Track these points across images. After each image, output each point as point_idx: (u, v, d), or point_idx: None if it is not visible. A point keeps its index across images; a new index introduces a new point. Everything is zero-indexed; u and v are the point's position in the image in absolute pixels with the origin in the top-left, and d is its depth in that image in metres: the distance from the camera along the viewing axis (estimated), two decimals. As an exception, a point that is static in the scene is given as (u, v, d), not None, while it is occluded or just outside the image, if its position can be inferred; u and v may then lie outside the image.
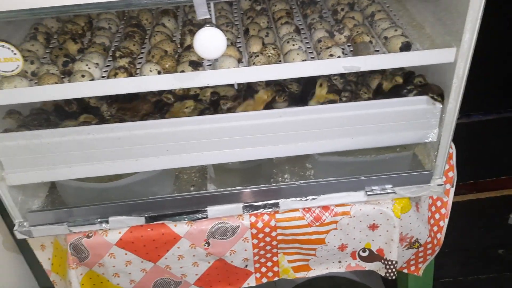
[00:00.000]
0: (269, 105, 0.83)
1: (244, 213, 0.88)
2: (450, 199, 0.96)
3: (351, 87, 0.84)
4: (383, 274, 0.96)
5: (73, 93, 0.71)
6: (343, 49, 0.77)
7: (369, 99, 0.83)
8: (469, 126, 1.34)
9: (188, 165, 0.82)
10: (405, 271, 1.04)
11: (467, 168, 1.08)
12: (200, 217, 0.87)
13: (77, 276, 0.89)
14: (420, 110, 0.80)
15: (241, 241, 0.90)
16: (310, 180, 0.88)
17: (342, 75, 0.87)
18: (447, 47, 0.73)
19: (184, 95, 0.88)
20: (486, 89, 1.25)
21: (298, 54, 0.75)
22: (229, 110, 0.82)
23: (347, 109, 0.79)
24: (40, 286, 1.08)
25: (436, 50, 0.74)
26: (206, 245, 0.89)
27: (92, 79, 0.74)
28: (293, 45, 0.77)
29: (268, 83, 0.87)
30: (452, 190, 0.96)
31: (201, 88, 0.89)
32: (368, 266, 0.97)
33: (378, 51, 0.78)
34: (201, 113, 0.82)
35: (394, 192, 0.87)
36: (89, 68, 0.75)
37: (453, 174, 0.95)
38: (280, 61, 0.78)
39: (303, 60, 0.75)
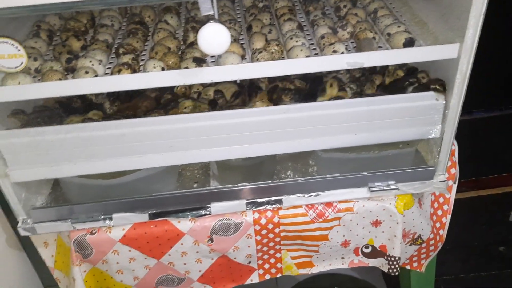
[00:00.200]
0: (275, 102, 0.83)
1: (247, 209, 0.88)
2: (452, 195, 0.97)
3: (357, 83, 0.84)
4: (386, 270, 0.96)
5: (77, 90, 0.71)
6: (346, 45, 0.77)
7: (373, 94, 0.83)
8: (471, 123, 1.34)
9: (192, 161, 0.83)
10: (408, 267, 1.04)
11: (469, 165, 1.08)
12: (203, 213, 0.87)
13: (80, 273, 0.89)
14: (423, 106, 0.80)
15: (244, 237, 0.90)
16: (313, 177, 0.88)
17: (347, 73, 0.87)
18: (450, 43, 0.74)
19: (185, 94, 0.88)
20: (488, 86, 1.25)
21: (301, 50, 0.75)
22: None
23: (350, 106, 0.79)
24: (43, 283, 1.08)
25: (439, 46, 0.74)
26: (210, 241, 0.89)
27: (96, 76, 0.74)
28: (296, 41, 0.78)
29: (272, 80, 0.88)
30: (455, 187, 0.96)
31: (203, 86, 0.89)
32: (371, 262, 0.97)
33: (381, 47, 0.79)
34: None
35: (397, 188, 0.87)
36: (92, 64, 0.75)
37: (455, 170, 0.95)
38: (283, 57, 0.78)
39: (306, 56, 0.75)
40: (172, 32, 0.85)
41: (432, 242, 1.00)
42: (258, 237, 0.91)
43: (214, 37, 0.65)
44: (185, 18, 0.92)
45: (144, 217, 0.86)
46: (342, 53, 0.75)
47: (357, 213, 0.89)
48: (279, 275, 0.98)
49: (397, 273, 0.95)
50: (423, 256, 1.02)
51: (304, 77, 0.87)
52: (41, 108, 0.87)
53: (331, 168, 0.89)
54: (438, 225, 0.99)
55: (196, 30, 0.82)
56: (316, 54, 0.78)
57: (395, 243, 0.92)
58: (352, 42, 0.81)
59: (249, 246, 0.91)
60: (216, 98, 0.86)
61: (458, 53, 0.74)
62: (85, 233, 0.87)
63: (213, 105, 0.84)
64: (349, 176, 0.87)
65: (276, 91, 0.85)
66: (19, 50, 0.66)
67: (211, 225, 0.88)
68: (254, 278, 0.97)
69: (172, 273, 0.94)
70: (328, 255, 0.96)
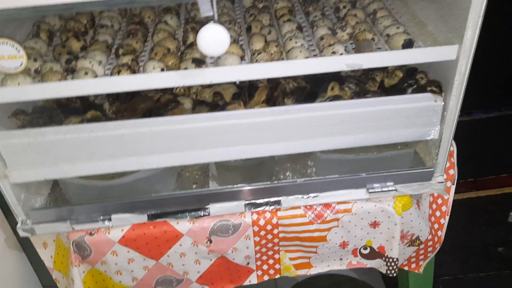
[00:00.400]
0: (275, 99, 0.84)
1: (246, 210, 0.88)
2: (450, 196, 0.97)
3: (357, 81, 0.84)
4: (384, 272, 0.96)
5: (77, 91, 0.71)
6: (345, 46, 0.78)
7: (374, 93, 0.84)
8: (469, 124, 1.35)
9: (191, 162, 0.83)
10: (406, 268, 1.04)
11: (468, 166, 1.09)
12: (202, 214, 0.87)
13: (79, 274, 0.89)
14: (421, 108, 0.80)
15: (243, 238, 0.90)
16: (312, 178, 0.88)
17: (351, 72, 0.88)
18: (449, 45, 0.74)
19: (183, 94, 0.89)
20: (487, 87, 1.25)
21: (300, 51, 0.75)
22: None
23: (349, 107, 0.79)
24: (42, 283, 1.08)
25: (438, 47, 0.74)
26: (208, 242, 0.89)
27: (96, 77, 0.74)
28: (296, 42, 0.78)
29: (271, 81, 0.88)
30: (453, 188, 0.96)
31: (202, 87, 0.89)
32: (369, 263, 0.97)
33: (380, 48, 0.79)
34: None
35: (395, 190, 0.87)
36: (92, 65, 0.75)
37: (453, 171, 0.95)
38: (282, 58, 0.78)
39: (305, 58, 0.75)
40: (171, 32, 0.85)
41: (430, 243, 1.00)
42: (257, 238, 0.91)
43: (213, 38, 0.65)
44: (184, 18, 0.92)
45: (143, 218, 0.87)
46: (341, 54, 0.75)
47: (355, 214, 0.89)
48: (277, 276, 0.98)
49: (395, 274, 0.95)
50: (421, 257, 1.03)
51: (306, 76, 0.88)
52: (41, 108, 0.87)
53: (329, 169, 0.89)
54: (436, 226, 0.99)
55: (195, 31, 0.82)
56: (315, 55, 0.78)
57: (393, 245, 0.92)
58: (351, 43, 0.81)
59: (247, 247, 0.92)
60: (215, 100, 0.86)
61: (457, 54, 0.74)
62: (84, 234, 0.87)
63: (213, 107, 0.84)
64: (348, 177, 0.87)
65: (277, 88, 0.86)
66: (19, 51, 0.67)
67: (210, 226, 0.88)
68: (252, 279, 0.98)
69: (170, 274, 0.94)
70: (326, 256, 0.96)
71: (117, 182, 0.86)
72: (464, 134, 0.95)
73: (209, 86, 0.88)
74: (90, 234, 0.87)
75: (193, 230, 0.88)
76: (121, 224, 0.87)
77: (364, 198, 0.89)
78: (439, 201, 0.97)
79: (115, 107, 0.87)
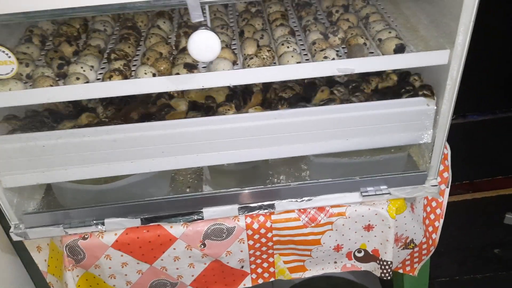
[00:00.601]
0: (269, 102, 0.84)
1: (239, 214, 0.88)
2: (445, 199, 0.97)
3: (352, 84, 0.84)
4: (378, 275, 0.96)
5: (68, 96, 0.71)
6: (337, 51, 0.78)
7: (368, 96, 0.84)
8: (464, 126, 1.34)
9: (184, 167, 0.83)
10: (401, 271, 1.05)
11: (464, 168, 1.09)
12: (196, 218, 0.87)
13: (73, 278, 0.89)
14: (414, 112, 0.80)
15: (237, 242, 0.90)
16: (306, 181, 0.88)
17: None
18: (440, 49, 0.74)
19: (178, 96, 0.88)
20: (481, 89, 1.25)
21: (292, 56, 0.75)
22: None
23: (342, 111, 0.80)
24: (36, 287, 1.08)
25: (430, 52, 0.74)
26: (202, 246, 0.89)
27: (87, 82, 0.74)
28: (288, 47, 0.78)
29: (265, 85, 0.88)
30: (447, 191, 0.96)
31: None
32: (364, 266, 0.97)
33: (372, 53, 0.79)
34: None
35: (389, 193, 0.87)
36: (84, 70, 0.75)
37: (448, 174, 0.95)
38: (274, 63, 0.78)
39: (297, 62, 0.75)
40: (164, 37, 0.85)
41: (424, 246, 1.00)
42: (251, 242, 0.91)
43: (204, 44, 0.65)
44: (177, 23, 0.92)
45: (136, 222, 0.87)
46: (333, 59, 0.75)
47: (349, 217, 0.89)
48: (272, 279, 0.98)
49: (389, 277, 0.95)
50: (415, 260, 1.03)
51: (300, 81, 0.88)
52: (33, 113, 0.87)
53: (323, 173, 0.89)
54: (430, 229, 0.99)
55: (188, 36, 0.82)
56: (307, 60, 0.78)
57: (388, 248, 0.92)
58: (343, 48, 0.81)
59: (241, 251, 0.92)
60: (207, 103, 0.86)
61: (449, 59, 0.74)
62: (78, 238, 0.87)
63: (207, 110, 0.84)
64: (341, 181, 0.87)
65: (269, 91, 0.86)
66: (9, 57, 0.66)
67: (203, 230, 0.88)
68: (247, 283, 0.98)
69: (164, 278, 0.94)
70: (320, 259, 0.96)
71: (110, 186, 0.86)
72: (459, 136, 0.95)
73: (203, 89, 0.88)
74: (84, 238, 0.87)
75: (186, 234, 0.88)
76: (115, 228, 0.87)
77: (358, 202, 0.89)
78: (433, 204, 0.97)
79: (109, 113, 0.87)
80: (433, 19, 0.79)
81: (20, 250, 1.01)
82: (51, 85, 0.73)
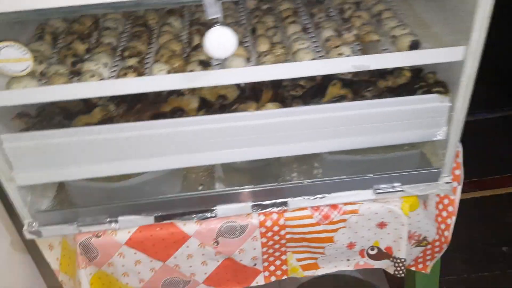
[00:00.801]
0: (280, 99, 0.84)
1: (253, 212, 0.88)
2: (457, 197, 0.97)
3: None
4: (391, 272, 0.96)
5: (84, 93, 0.71)
6: (351, 48, 0.77)
7: (382, 92, 0.83)
8: (473, 124, 1.35)
9: (197, 164, 0.83)
10: (413, 268, 1.04)
11: (472, 166, 1.08)
12: (209, 216, 0.87)
13: (86, 276, 0.89)
14: (428, 108, 0.80)
15: (250, 240, 0.90)
16: (319, 179, 0.88)
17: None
18: (455, 46, 0.74)
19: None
20: (490, 87, 1.25)
21: (307, 53, 0.75)
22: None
23: (355, 108, 0.79)
24: (48, 286, 1.08)
25: (445, 48, 0.74)
26: (215, 244, 0.89)
27: (102, 79, 0.74)
28: (302, 44, 0.77)
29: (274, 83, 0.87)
30: (459, 188, 0.96)
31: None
32: (377, 264, 0.97)
33: (386, 49, 0.79)
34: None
35: (402, 190, 0.87)
36: (98, 68, 0.75)
37: (460, 172, 0.95)
38: (288, 60, 0.78)
39: (312, 59, 0.75)
40: (176, 34, 0.85)
41: (437, 243, 1.00)
42: (264, 240, 0.91)
43: (221, 40, 0.65)
44: (189, 21, 0.91)
45: (149, 219, 0.86)
46: (348, 55, 0.75)
47: (362, 215, 0.89)
48: (284, 277, 0.98)
49: (403, 275, 0.95)
50: (428, 257, 1.03)
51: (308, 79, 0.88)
52: (45, 111, 0.87)
53: (336, 170, 0.89)
54: (443, 226, 0.99)
55: (201, 33, 0.82)
56: (321, 57, 0.78)
57: (401, 245, 0.92)
58: (357, 45, 0.81)
59: (254, 249, 0.91)
60: (220, 102, 0.86)
61: (464, 55, 0.74)
62: (91, 236, 0.87)
63: (220, 108, 0.84)
64: (355, 178, 0.87)
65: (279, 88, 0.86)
66: (25, 54, 0.66)
67: (216, 227, 0.88)
68: (259, 280, 0.97)
69: (177, 276, 0.94)
70: (333, 257, 0.96)
71: (123, 184, 0.86)
72: (468, 134, 0.94)
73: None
74: (97, 236, 0.87)
75: (200, 232, 0.87)
76: (128, 226, 0.87)
77: (371, 199, 0.89)
78: (446, 201, 0.97)
79: (121, 111, 0.86)
80: (446, 15, 0.79)
81: (31, 248, 1.01)
82: (66, 83, 0.72)
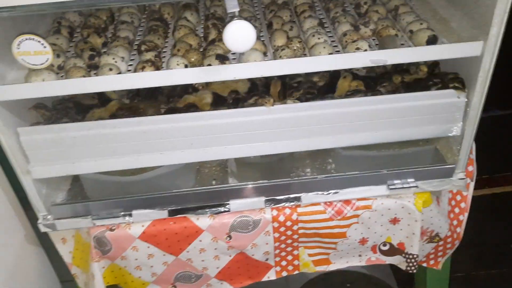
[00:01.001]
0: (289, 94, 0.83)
1: (266, 206, 0.88)
2: (469, 193, 0.96)
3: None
4: (404, 268, 0.96)
5: (102, 87, 0.71)
6: (368, 42, 0.77)
7: (397, 87, 0.83)
8: (485, 120, 1.34)
9: (212, 158, 0.83)
10: (425, 265, 1.04)
11: (483, 163, 1.08)
12: (222, 210, 0.87)
13: (99, 269, 0.90)
14: (444, 104, 0.80)
15: (262, 234, 0.90)
16: (332, 174, 0.88)
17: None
18: (473, 41, 0.73)
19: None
20: (503, 84, 1.25)
21: (324, 47, 0.75)
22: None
23: (371, 103, 0.79)
24: (60, 279, 1.08)
25: (463, 43, 0.73)
26: (228, 238, 0.89)
27: (119, 73, 0.74)
28: (319, 38, 0.77)
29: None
30: (472, 184, 0.96)
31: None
32: (389, 260, 0.97)
33: (403, 44, 0.78)
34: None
35: (416, 186, 0.87)
36: (115, 61, 0.75)
37: (472, 168, 0.95)
38: (305, 54, 0.78)
39: (329, 53, 0.74)
40: (192, 29, 0.85)
41: (449, 240, 1.00)
42: (276, 234, 0.91)
43: (240, 34, 0.65)
44: (204, 15, 0.91)
45: (163, 213, 0.87)
46: (366, 50, 0.74)
47: (375, 210, 0.89)
48: (296, 272, 0.98)
49: (415, 271, 0.95)
50: (440, 253, 1.02)
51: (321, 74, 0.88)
52: (60, 103, 0.87)
53: (350, 165, 0.89)
54: (455, 222, 0.99)
55: (217, 27, 0.82)
56: (338, 51, 0.78)
57: (414, 241, 0.92)
58: (374, 39, 0.81)
59: (267, 243, 0.92)
60: (233, 97, 0.86)
61: (482, 51, 0.73)
62: (105, 230, 0.87)
63: (233, 102, 0.84)
64: (368, 173, 0.87)
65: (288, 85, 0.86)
66: (45, 47, 0.67)
67: (230, 222, 0.88)
68: (271, 275, 0.98)
69: (190, 270, 0.94)
70: (345, 253, 0.96)
71: (137, 178, 0.86)
72: (479, 130, 0.94)
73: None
74: (111, 229, 0.87)
75: (213, 226, 0.88)
76: (142, 219, 0.87)
77: (384, 195, 0.88)
78: (458, 197, 0.97)
79: (136, 106, 0.86)
80: (464, 10, 0.79)
81: (44, 241, 1.01)
82: (84, 76, 0.73)
